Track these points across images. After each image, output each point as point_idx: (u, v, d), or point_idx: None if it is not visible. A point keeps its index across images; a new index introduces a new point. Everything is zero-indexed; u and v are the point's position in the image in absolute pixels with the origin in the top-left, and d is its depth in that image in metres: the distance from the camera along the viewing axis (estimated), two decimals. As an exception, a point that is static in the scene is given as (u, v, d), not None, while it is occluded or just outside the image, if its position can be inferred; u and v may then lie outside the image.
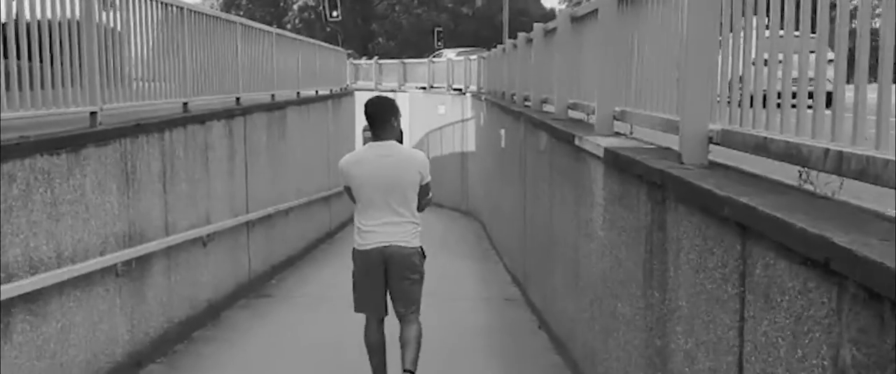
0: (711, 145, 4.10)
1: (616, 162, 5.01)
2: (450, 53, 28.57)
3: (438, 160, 21.59)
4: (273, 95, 11.64)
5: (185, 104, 8.12)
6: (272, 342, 7.91)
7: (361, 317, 5.57)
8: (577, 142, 6.13)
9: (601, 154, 5.29)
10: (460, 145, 20.80)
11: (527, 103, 11.02)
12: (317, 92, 14.80)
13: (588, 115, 7.48)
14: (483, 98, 17.12)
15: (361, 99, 24.84)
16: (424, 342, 5.39)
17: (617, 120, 6.03)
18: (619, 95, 5.90)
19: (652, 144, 5.38)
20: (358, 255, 5.33)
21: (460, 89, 21.35)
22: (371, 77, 27.03)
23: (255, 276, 9.99)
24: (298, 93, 13.26)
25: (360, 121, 27.06)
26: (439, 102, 22.65)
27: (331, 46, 17.00)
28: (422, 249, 5.40)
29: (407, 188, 5.23)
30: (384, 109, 5.28)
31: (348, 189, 5.37)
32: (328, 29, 37.52)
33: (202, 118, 8.22)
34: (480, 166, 17.54)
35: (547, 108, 9.33)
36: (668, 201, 3.99)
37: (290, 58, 13.00)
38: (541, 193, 8.32)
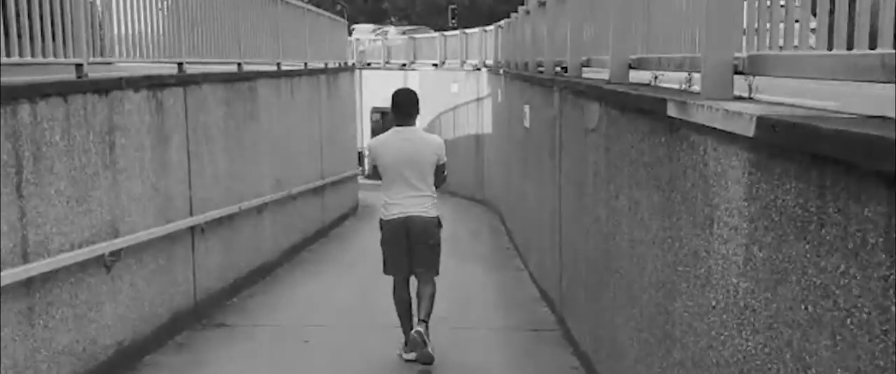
0: None
1: (798, 146, 2.31)
2: (392, 31, 25.86)
3: (451, 144, 18.82)
4: (239, 64, 8.97)
5: (80, 67, 5.46)
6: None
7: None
8: (674, 112, 3.43)
9: (748, 132, 2.59)
10: (475, 127, 18.08)
11: (560, 69, 8.32)
12: (306, 64, 12.11)
13: (656, 77, 4.79)
14: (501, 72, 14.40)
15: (368, 78, 22.11)
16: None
17: (739, 74, 3.35)
18: (739, 33, 3.26)
19: (830, 110, 2.72)
20: (385, 224, 5.81)
21: (475, 65, 18.62)
22: (379, 55, 24.27)
23: (206, 297, 7.36)
24: (279, 64, 10.58)
25: (369, 102, 24.44)
26: (452, 79, 19.93)
27: (325, 13, 14.32)
28: (439, 218, 5.92)
29: (425, 167, 5.73)
30: (410, 100, 5.79)
31: (375, 167, 5.84)
32: (338, 7, 34.83)
33: (105, 86, 5.56)
34: (498, 150, 14.85)
35: (590, 73, 6.63)
36: None
37: (266, 20, 10.30)
38: (588, 189, 5.63)
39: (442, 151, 5.83)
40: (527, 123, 9.79)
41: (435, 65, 21.33)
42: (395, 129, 5.77)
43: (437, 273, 5.97)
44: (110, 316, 5.57)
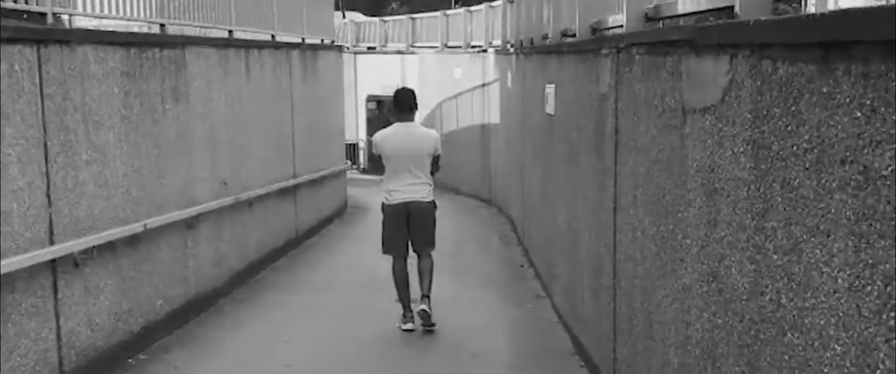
0: None
1: None
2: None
3: (453, 135, 16.32)
4: (163, 25, 6.41)
5: None
6: None
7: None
8: None
9: None
10: (481, 116, 15.50)
11: (603, 28, 5.78)
12: (273, 36, 9.53)
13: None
14: (512, 51, 11.81)
15: (363, 63, 19.43)
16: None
17: None
18: None
19: None
20: (388, 208, 6.26)
21: (481, 46, 16.01)
22: (375, 38, 21.62)
23: (84, 360, 4.82)
24: (231, 31, 8.01)
25: (364, 89, 21.79)
26: (455, 64, 17.31)
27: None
28: (434, 202, 6.34)
29: (424, 158, 6.22)
30: (410, 98, 6.33)
31: (379, 157, 6.31)
32: (335, -8, 32.11)
33: None
34: (508, 143, 12.27)
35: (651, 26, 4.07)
36: None
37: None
38: (690, 213, 3.06)
39: (438, 144, 6.34)
40: (550, 109, 7.22)
41: (435, 48, 18.70)
42: (397, 124, 6.28)
43: (434, 247, 6.39)
44: None
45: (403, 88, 6.57)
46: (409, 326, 6.13)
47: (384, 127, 6.47)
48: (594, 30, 6.00)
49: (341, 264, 9.26)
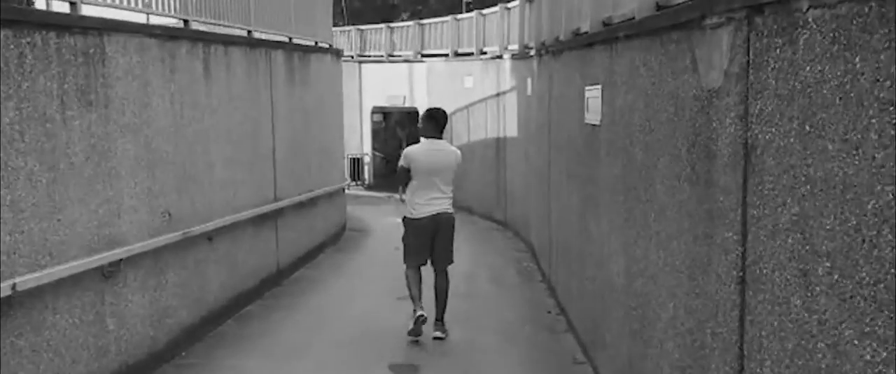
0: None
1: None
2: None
3: (465, 150, 14.36)
4: (74, 4, 4.61)
5: None
6: None
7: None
8: None
9: None
10: (496, 129, 13.66)
11: (674, 4, 3.95)
12: (250, 32, 7.75)
13: None
14: (534, 53, 9.99)
15: (368, 72, 17.86)
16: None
17: None
18: None
19: None
20: (413, 222, 6.36)
21: (495, 52, 14.19)
22: (381, 46, 19.82)
23: None
24: (186, 21, 6.22)
25: (369, 100, 20.00)
26: (466, 72, 15.51)
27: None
28: (454, 215, 6.52)
29: (448, 174, 6.43)
30: (440, 118, 6.52)
31: (408, 170, 6.39)
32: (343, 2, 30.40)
33: None
34: (529, 159, 10.45)
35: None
36: None
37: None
38: None
39: (460, 160, 6.55)
40: (593, 118, 5.38)
41: (445, 56, 16.88)
42: (428, 140, 6.43)
43: (452, 262, 6.46)
44: None
45: (437, 109, 6.85)
46: (420, 312, 6.15)
47: (414, 142, 6.61)
48: (659, 7, 4.19)
49: (327, 308, 7.42)
